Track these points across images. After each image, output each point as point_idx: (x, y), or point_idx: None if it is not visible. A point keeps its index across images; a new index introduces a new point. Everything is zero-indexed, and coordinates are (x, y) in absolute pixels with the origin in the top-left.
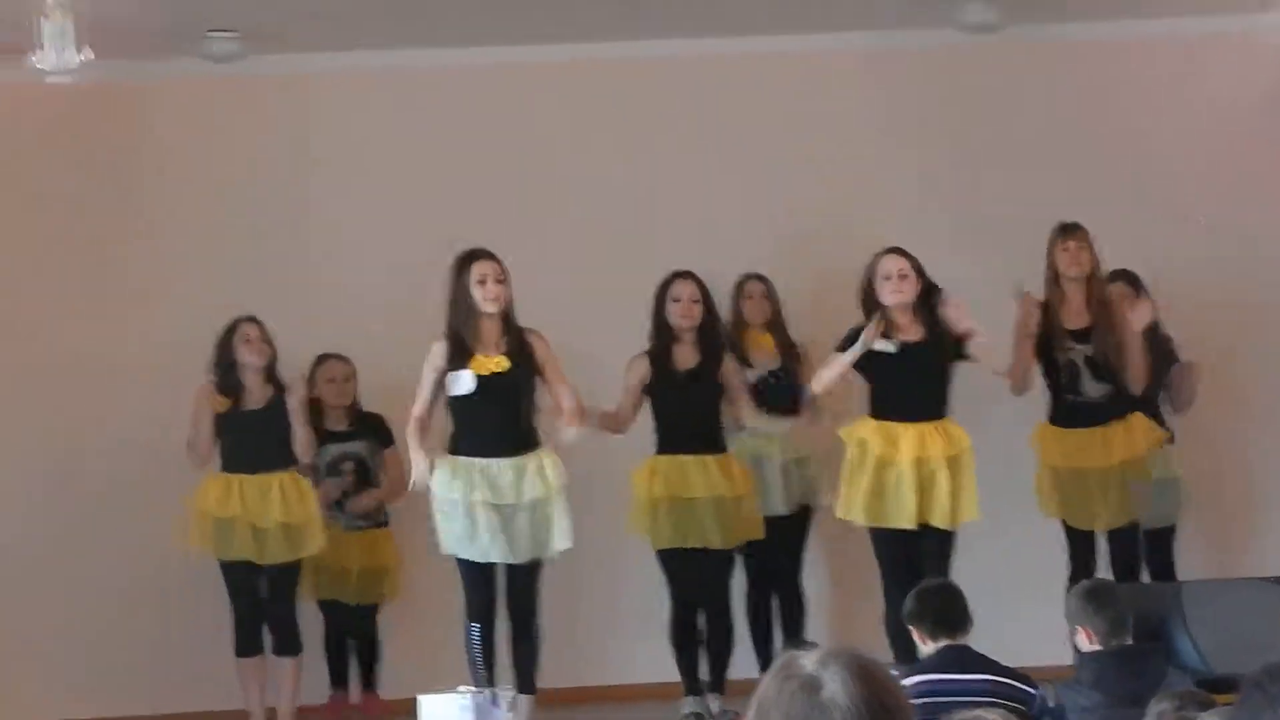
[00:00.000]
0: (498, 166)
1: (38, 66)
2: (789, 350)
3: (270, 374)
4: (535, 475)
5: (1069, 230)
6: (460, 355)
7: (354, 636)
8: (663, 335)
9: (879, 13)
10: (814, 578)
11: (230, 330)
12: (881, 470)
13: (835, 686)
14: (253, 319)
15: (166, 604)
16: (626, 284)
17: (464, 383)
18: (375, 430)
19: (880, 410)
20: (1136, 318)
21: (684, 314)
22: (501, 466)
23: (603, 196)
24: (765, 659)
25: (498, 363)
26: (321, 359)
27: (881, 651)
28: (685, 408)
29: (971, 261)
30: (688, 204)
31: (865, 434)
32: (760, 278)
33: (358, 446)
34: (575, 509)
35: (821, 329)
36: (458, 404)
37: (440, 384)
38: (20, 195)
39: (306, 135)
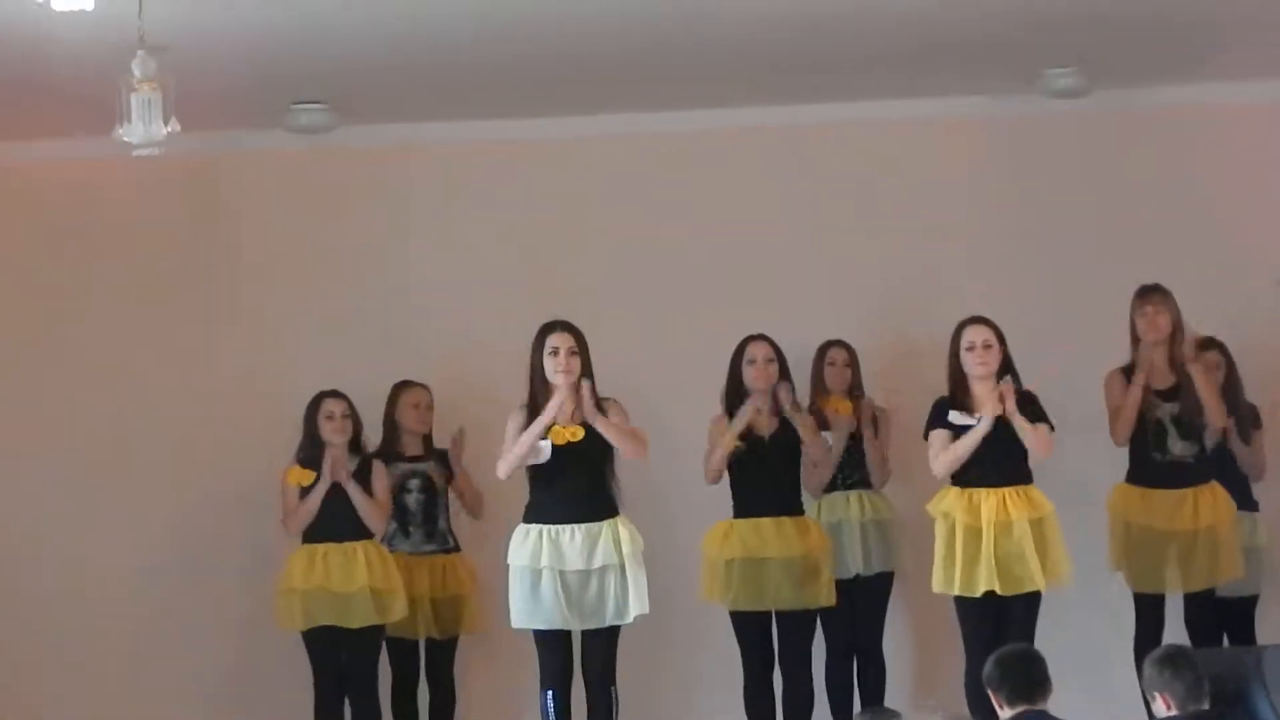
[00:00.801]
0: (582, 236)
1: (124, 139)
2: (870, 417)
3: (355, 446)
4: (608, 542)
5: (1147, 293)
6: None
7: (429, 679)
8: (738, 397)
9: (965, 79)
10: (895, 642)
11: (314, 405)
12: (968, 539)
13: None
14: (336, 394)
15: (241, 675)
16: (708, 352)
17: (542, 452)
18: (446, 463)
19: (963, 478)
20: (1204, 365)
21: (759, 375)
22: (574, 533)
23: (684, 265)
24: None
25: (573, 432)
26: (405, 384)
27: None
28: (763, 471)
29: (1058, 328)
30: (772, 273)
31: (948, 505)
32: (844, 344)
33: (426, 467)
34: (653, 575)
35: (903, 397)
36: (534, 472)
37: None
38: (109, 271)
39: (394, 206)
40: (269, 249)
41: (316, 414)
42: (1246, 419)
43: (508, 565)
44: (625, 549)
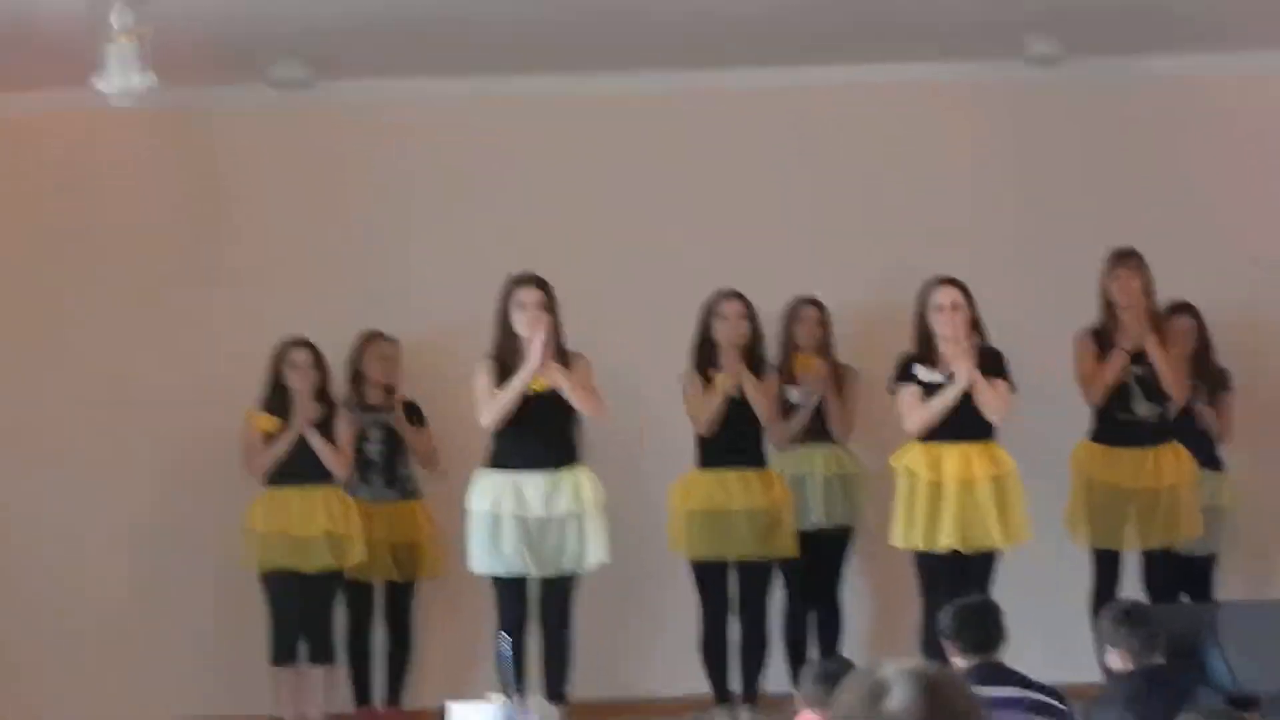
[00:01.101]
0: (560, 193)
1: (101, 90)
2: (837, 374)
3: (321, 395)
4: (569, 490)
5: (1121, 257)
6: (504, 376)
7: (388, 623)
8: (706, 352)
9: (941, 44)
10: (852, 593)
11: (280, 354)
12: (930, 494)
13: (900, 698)
14: (302, 343)
15: (208, 611)
16: (679, 307)
17: None
18: (411, 412)
19: (926, 434)
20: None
21: (730, 331)
22: (535, 480)
23: (661, 222)
24: (799, 675)
25: (539, 382)
26: (372, 336)
27: None
28: (727, 424)
29: (1028, 290)
30: (746, 230)
31: (911, 460)
32: (815, 302)
33: (389, 417)
34: (616, 525)
35: (872, 356)
36: (500, 421)
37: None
38: (86, 221)
39: (372, 162)
40: (248, 203)
41: (282, 362)
42: (1217, 381)
43: (468, 510)
44: (586, 497)
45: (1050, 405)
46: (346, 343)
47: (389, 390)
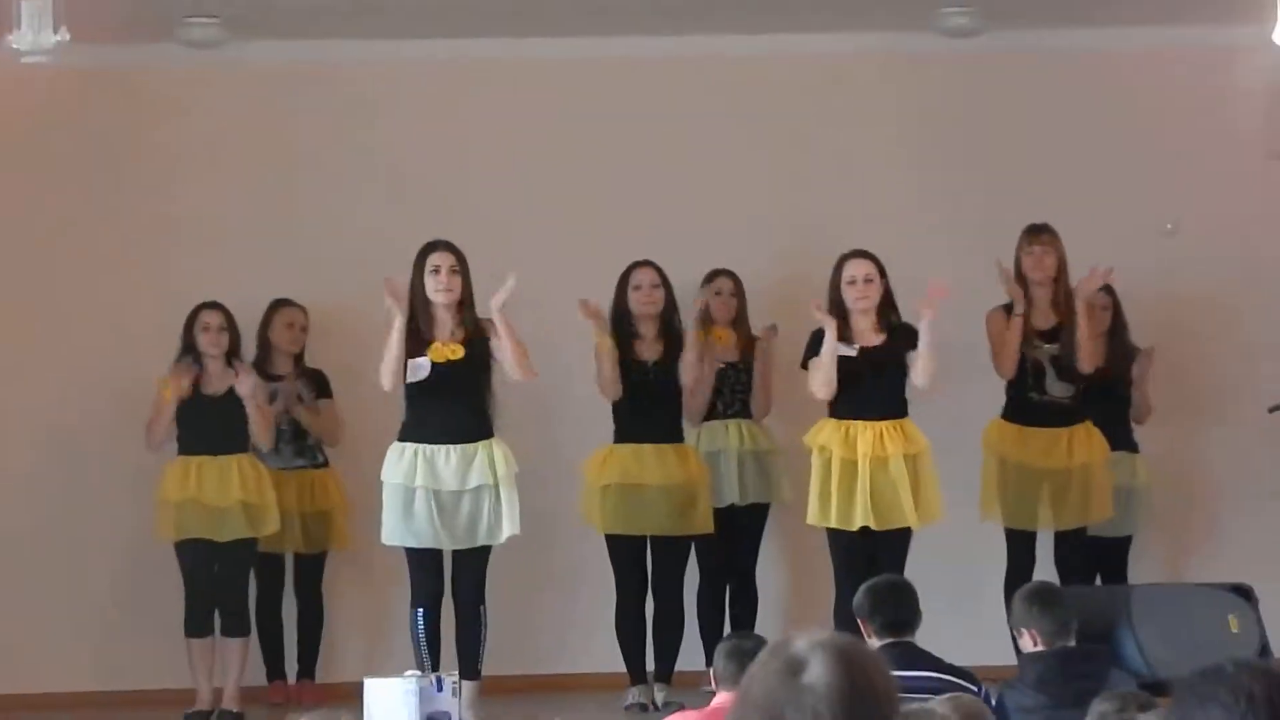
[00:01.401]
0: (473, 158)
1: (14, 46)
2: (749, 346)
3: (230, 360)
4: (483, 463)
5: (1036, 232)
6: (416, 342)
7: (297, 594)
8: (623, 323)
9: (857, 15)
10: (768, 573)
11: (192, 317)
12: (844, 472)
13: (817, 671)
14: (214, 305)
15: (121, 583)
16: (595, 275)
17: (421, 369)
18: (317, 380)
19: (839, 410)
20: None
21: (645, 300)
22: (449, 453)
23: (575, 189)
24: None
25: (453, 350)
26: (279, 303)
27: None
28: (645, 397)
29: (941, 265)
30: (661, 201)
31: (825, 438)
32: (729, 274)
33: (297, 386)
34: (532, 499)
35: (788, 330)
36: (413, 391)
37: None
38: (4, 179)
39: (283, 124)
40: (159, 162)
41: (193, 326)
42: (1129, 361)
43: (381, 481)
44: (499, 470)
45: (964, 383)
46: (255, 306)
47: (297, 359)
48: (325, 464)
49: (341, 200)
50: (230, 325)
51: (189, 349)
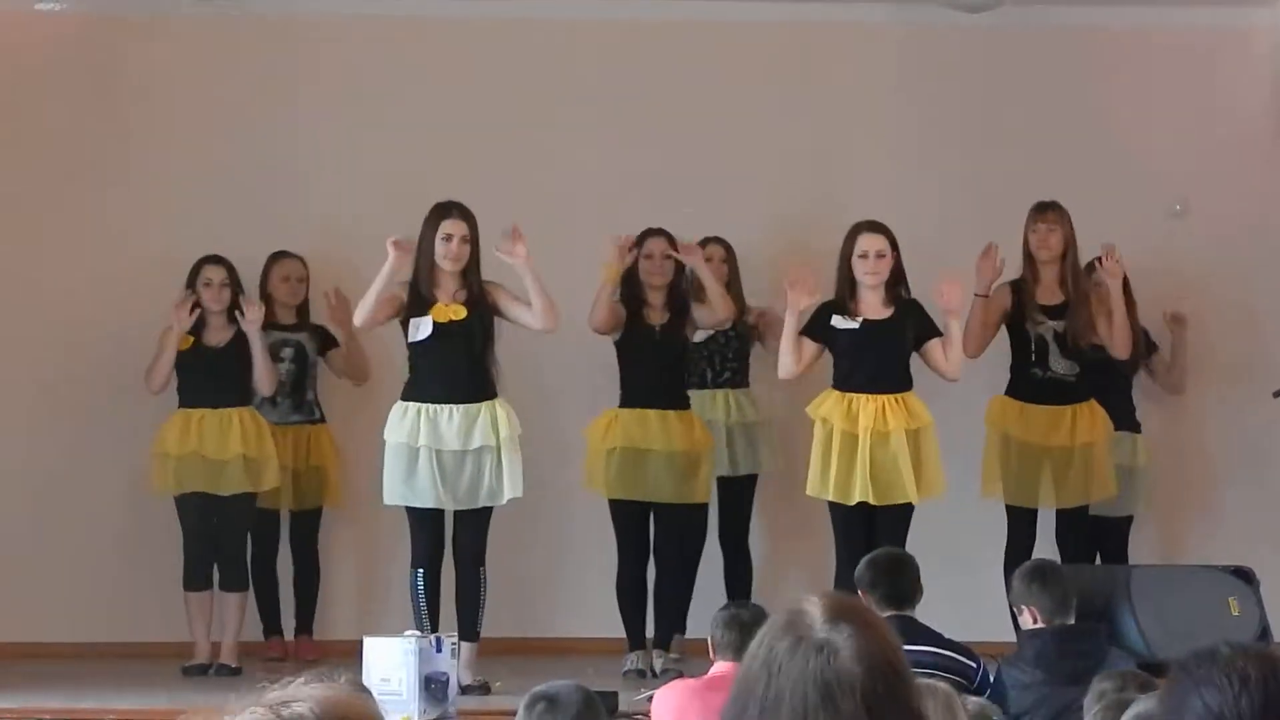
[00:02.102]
0: (477, 117)
1: None
2: (740, 314)
3: (232, 314)
4: (485, 423)
5: (1041, 210)
6: (418, 301)
7: (292, 551)
8: (634, 290)
9: None
10: (757, 542)
11: (195, 271)
12: (844, 445)
13: (848, 650)
14: (216, 260)
15: (120, 536)
16: (600, 242)
17: (423, 328)
18: (322, 334)
19: (842, 382)
20: (1109, 276)
21: (655, 270)
22: (451, 413)
23: (582, 153)
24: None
25: (455, 310)
26: (277, 255)
27: None
28: (653, 363)
29: (950, 239)
30: (668, 168)
31: (827, 410)
32: (720, 241)
33: (300, 337)
34: (534, 461)
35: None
36: (416, 350)
37: (395, 273)
38: (6, 124)
39: (292, 76)
40: (163, 110)
41: (196, 279)
42: (1136, 340)
43: (384, 441)
44: (502, 431)
45: (968, 360)
46: (252, 258)
47: (300, 310)
48: (322, 419)
49: (346, 154)
50: (233, 279)
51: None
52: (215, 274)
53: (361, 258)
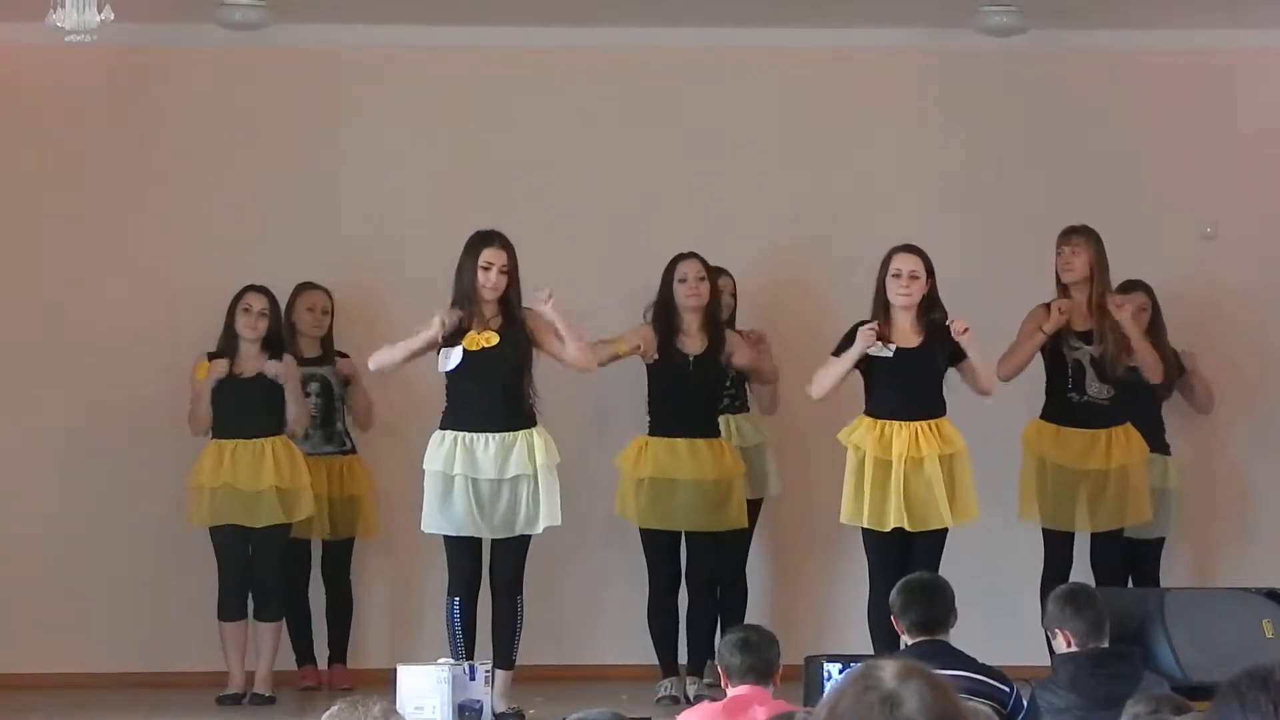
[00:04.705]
0: (509, 148)
1: (57, 25)
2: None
3: (266, 344)
4: (522, 452)
5: (1067, 234)
6: (455, 331)
7: (325, 581)
8: (668, 315)
9: (897, 11)
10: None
11: (236, 298)
12: (878, 472)
13: (914, 704)
14: (258, 289)
15: (156, 566)
16: (628, 268)
17: (453, 358)
18: (342, 369)
19: (875, 409)
20: (1123, 313)
21: (690, 293)
22: (488, 441)
23: (616, 183)
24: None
25: (487, 338)
26: (303, 287)
27: (860, 641)
28: (687, 391)
29: (980, 263)
30: (694, 195)
31: (859, 438)
32: (725, 271)
33: (325, 371)
34: (569, 487)
35: (831, 326)
36: (450, 380)
37: (429, 345)
38: (39, 158)
39: (325, 108)
40: (194, 143)
41: (236, 306)
42: (1168, 364)
43: (421, 469)
44: (539, 460)
45: (1003, 383)
46: (282, 288)
47: (324, 342)
48: (353, 450)
49: (377, 185)
50: (273, 310)
51: (230, 331)
52: (256, 302)
53: (389, 288)
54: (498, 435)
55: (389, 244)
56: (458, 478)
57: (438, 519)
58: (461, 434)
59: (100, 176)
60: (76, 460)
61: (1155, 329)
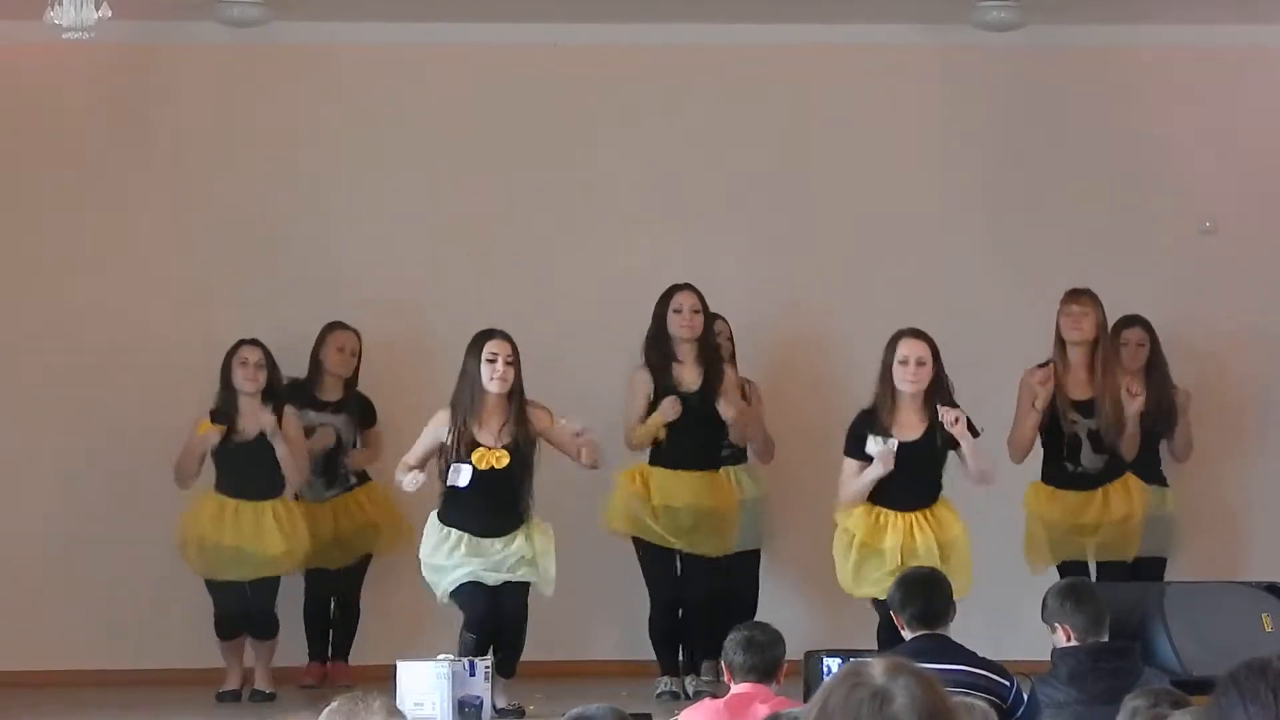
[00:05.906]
0: (513, 143)
1: (55, 23)
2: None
3: (266, 397)
4: (521, 543)
5: (1073, 295)
6: (463, 439)
7: (337, 594)
8: (663, 347)
9: (895, 6)
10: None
11: (230, 353)
12: (863, 552)
13: (904, 700)
14: (253, 342)
15: (159, 565)
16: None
17: (463, 476)
18: (363, 409)
19: (873, 496)
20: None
21: (685, 325)
22: (491, 542)
23: (609, 181)
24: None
25: (498, 458)
26: (333, 326)
27: (862, 636)
28: (685, 426)
29: (979, 258)
30: (699, 197)
31: (854, 523)
32: (720, 317)
33: (338, 420)
34: (570, 487)
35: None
36: (454, 488)
37: (436, 448)
38: (37, 155)
39: (323, 105)
40: (194, 140)
41: (232, 360)
42: (1171, 405)
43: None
44: (537, 545)
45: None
46: (276, 284)
47: (348, 384)
48: (360, 482)
49: (376, 181)
50: (269, 363)
51: (226, 385)
52: (252, 354)
53: (382, 282)
54: (500, 539)
55: (386, 241)
56: (461, 566)
57: (443, 587)
58: (465, 534)
59: (98, 173)
60: (77, 460)
61: (1154, 366)
